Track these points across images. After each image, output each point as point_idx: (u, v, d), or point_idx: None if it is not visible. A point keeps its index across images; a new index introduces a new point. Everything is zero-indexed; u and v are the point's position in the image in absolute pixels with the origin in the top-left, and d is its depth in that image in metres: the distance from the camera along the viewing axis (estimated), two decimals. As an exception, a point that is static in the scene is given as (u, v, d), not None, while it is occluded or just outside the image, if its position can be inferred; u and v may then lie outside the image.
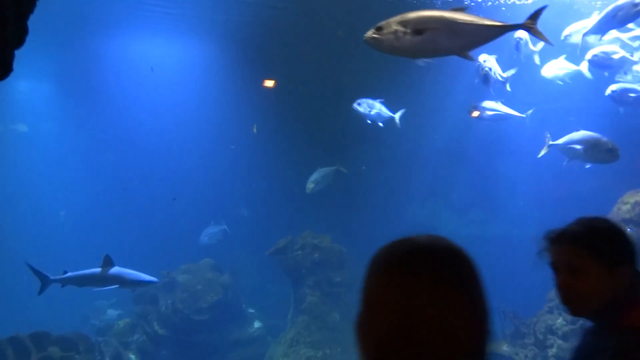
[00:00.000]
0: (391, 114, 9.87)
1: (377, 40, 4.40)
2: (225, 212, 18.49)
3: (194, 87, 17.81)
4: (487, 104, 9.24)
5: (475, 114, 17.76)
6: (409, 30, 4.30)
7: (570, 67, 10.12)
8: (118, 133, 20.08)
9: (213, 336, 14.40)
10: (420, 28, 4.09)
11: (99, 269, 8.18)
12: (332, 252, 13.91)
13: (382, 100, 9.39)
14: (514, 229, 18.34)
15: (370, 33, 4.43)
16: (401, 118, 9.84)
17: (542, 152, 7.95)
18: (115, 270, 8.23)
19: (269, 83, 15.86)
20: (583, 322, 8.14)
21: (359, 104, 9.17)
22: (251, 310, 16.32)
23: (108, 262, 8.18)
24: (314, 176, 13.14)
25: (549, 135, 7.87)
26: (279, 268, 15.16)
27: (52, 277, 8.36)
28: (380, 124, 9.60)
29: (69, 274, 8.40)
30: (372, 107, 9.43)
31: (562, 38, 10.39)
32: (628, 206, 8.47)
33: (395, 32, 4.34)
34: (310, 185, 12.83)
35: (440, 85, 16.23)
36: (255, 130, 13.45)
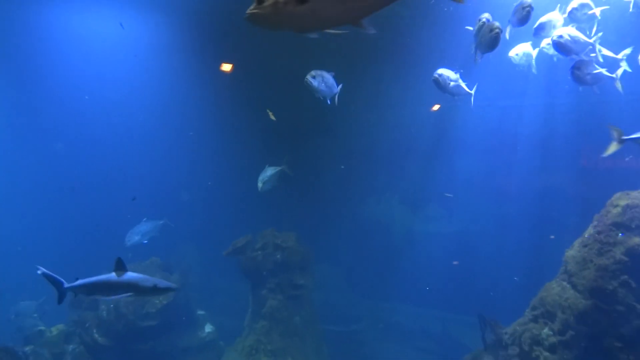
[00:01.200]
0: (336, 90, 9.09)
1: (256, 15, 3.51)
2: (167, 204, 17.16)
3: (140, 68, 16.16)
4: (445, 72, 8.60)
5: (436, 107, 17.57)
6: None
7: (533, 53, 9.68)
8: (53, 119, 18.03)
9: (161, 343, 13.10)
10: None
11: (112, 275, 7.04)
12: (296, 252, 12.99)
13: (332, 73, 8.66)
14: (471, 225, 18.37)
15: (250, 8, 3.54)
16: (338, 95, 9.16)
17: (611, 149, 7.23)
18: (130, 276, 7.11)
19: (226, 67, 14.55)
20: (573, 333, 7.79)
21: (313, 77, 8.26)
22: (201, 312, 15.11)
23: (121, 267, 7.06)
24: (263, 175, 12.28)
25: (618, 130, 7.17)
26: (231, 264, 14.11)
27: (66, 285, 7.38)
28: (328, 101, 8.89)
29: (81, 281, 7.29)
30: (325, 82, 8.66)
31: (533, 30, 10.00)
32: (619, 209, 8.24)
33: (276, 3, 3.46)
34: (260, 184, 11.97)
35: (398, 80, 15.75)
36: (272, 116, 12.20)
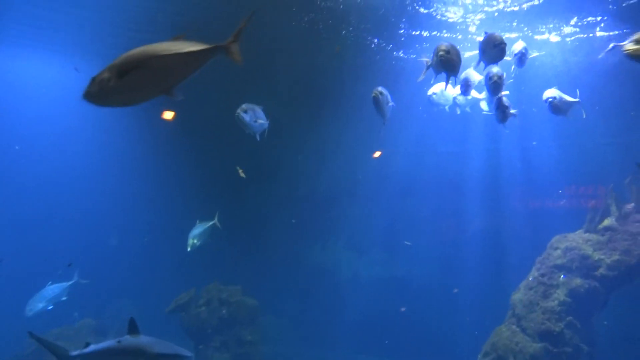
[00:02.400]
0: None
1: (89, 94, 3.75)
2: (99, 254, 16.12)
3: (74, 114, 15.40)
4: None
5: (377, 154, 17.95)
6: (113, 75, 3.67)
7: (454, 93, 9.58)
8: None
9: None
10: (123, 69, 3.55)
11: (126, 338, 6.31)
12: (243, 306, 12.43)
13: (262, 107, 8.25)
14: (415, 268, 18.56)
15: (85, 88, 3.79)
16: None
17: None
18: (145, 340, 6.29)
19: (168, 115, 14.14)
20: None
21: (245, 112, 7.75)
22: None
23: (134, 329, 6.25)
24: (194, 231, 11.65)
25: None
26: (173, 321, 13.30)
27: (72, 354, 6.50)
28: (257, 137, 8.43)
29: (92, 347, 6.42)
30: (257, 116, 8.21)
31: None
32: (559, 252, 8.59)
33: (101, 80, 3.74)
34: (191, 241, 11.29)
35: (339, 122, 16.03)
36: (241, 174, 11.67)
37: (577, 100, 7.50)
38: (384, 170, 17.73)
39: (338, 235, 20.19)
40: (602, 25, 9.94)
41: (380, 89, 7.09)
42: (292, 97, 14.25)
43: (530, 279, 8.89)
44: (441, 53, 6.19)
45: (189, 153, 16.25)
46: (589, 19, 9.76)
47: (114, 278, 16.04)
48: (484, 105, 9.55)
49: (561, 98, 7.32)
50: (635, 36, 4.01)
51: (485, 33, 6.72)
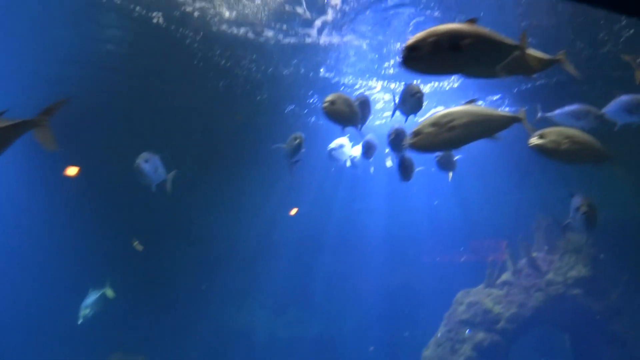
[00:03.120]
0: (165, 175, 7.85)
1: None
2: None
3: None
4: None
5: (293, 212, 18.16)
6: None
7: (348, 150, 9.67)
8: None
9: None
10: None
11: None
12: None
13: (159, 156, 7.52)
14: (331, 327, 18.54)
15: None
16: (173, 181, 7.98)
17: None
18: None
19: (71, 171, 13.37)
20: None
21: (145, 161, 7.14)
22: None
23: None
24: (86, 301, 10.84)
25: None
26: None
27: None
28: (153, 188, 7.72)
29: None
30: (157, 167, 7.54)
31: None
32: (463, 307, 9.10)
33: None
34: (82, 312, 10.43)
35: (256, 182, 16.16)
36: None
37: (459, 156, 7.54)
38: (300, 228, 17.91)
39: (254, 296, 19.77)
40: (506, 103, 11.15)
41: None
42: (208, 156, 14.19)
43: (439, 335, 9.29)
44: (324, 105, 5.79)
45: (94, 211, 15.36)
46: (495, 97, 10.91)
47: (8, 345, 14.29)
48: (389, 163, 9.89)
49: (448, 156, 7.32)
50: (541, 131, 4.57)
51: (405, 84, 6.65)
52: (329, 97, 5.82)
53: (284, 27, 8.54)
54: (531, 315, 9.24)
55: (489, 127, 4.71)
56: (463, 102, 4.85)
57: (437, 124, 4.51)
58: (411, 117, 6.43)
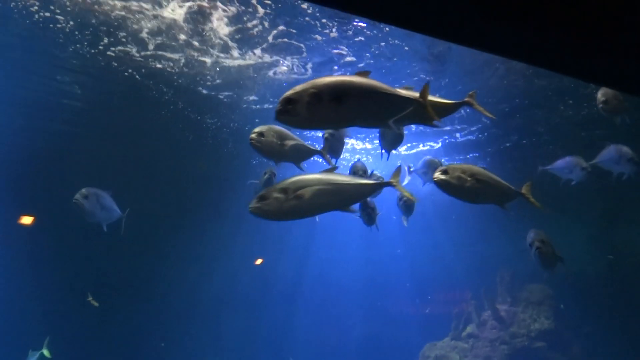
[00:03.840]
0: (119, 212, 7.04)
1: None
2: None
3: None
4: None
5: (259, 261, 17.90)
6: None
7: None
8: None
9: None
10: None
11: None
12: None
13: (110, 192, 6.68)
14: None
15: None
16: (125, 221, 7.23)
17: None
18: None
19: (26, 220, 12.86)
20: None
21: (85, 197, 6.47)
22: None
23: None
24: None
25: None
26: None
27: None
28: (104, 228, 6.99)
29: None
30: (101, 203, 6.73)
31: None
32: (430, 361, 9.01)
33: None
34: None
35: (221, 232, 15.95)
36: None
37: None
38: (266, 278, 17.61)
39: (215, 352, 19.03)
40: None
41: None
42: (172, 204, 14.00)
43: (406, 390, 9.10)
44: (251, 136, 5.16)
45: (46, 261, 14.70)
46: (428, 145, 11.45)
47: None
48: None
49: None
50: (444, 167, 4.55)
51: None
52: (257, 129, 5.19)
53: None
54: (497, 370, 9.23)
55: (344, 197, 4.51)
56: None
57: (285, 190, 4.23)
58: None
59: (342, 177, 4.54)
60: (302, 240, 17.19)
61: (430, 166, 6.53)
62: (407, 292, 15.76)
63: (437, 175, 4.34)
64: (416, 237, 12.96)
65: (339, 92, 3.58)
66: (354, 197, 4.61)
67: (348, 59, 7.51)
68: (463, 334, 9.75)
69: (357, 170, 6.31)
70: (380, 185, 4.69)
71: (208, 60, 7.60)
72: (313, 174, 4.42)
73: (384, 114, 3.89)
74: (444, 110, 4.48)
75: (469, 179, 4.28)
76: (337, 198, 4.46)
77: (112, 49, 7.29)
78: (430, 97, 4.14)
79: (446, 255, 14.11)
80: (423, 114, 4.00)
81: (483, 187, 4.37)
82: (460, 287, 12.33)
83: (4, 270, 13.41)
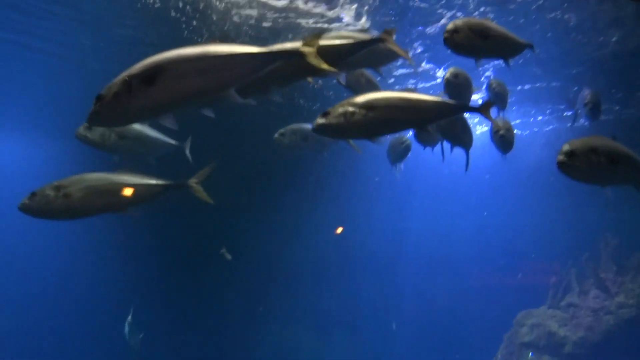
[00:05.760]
0: None
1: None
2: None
3: None
4: None
5: (339, 230, 18.05)
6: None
7: None
8: None
9: None
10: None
11: None
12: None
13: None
14: (378, 352, 18.10)
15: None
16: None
17: None
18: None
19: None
20: None
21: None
22: None
23: None
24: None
25: None
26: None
27: None
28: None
29: None
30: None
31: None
32: (526, 328, 8.66)
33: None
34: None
35: (304, 202, 16.17)
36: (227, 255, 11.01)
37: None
38: (345, 249, 17.76)
39: (298, 318, 19.59)
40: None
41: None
42: (254, 177, 14.36)
43: (499, 356, 8.84)
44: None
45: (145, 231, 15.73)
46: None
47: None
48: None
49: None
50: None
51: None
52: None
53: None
54: (601, 340, 8.67)
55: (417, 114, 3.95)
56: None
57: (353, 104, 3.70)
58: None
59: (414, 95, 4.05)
60: (382, 210, 17.05)
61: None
62: (500, 261, 15.18)
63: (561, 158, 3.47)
64: (510, 200, 12.37)
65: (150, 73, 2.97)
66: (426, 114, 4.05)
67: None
68: (562, 303, 9.24)
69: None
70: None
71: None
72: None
73: (225, 83, 3.15)
74: (346, 53, 3.76)
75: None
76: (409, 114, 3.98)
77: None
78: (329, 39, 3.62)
79: (544, 222, 13.34)
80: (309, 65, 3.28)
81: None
82: (560, 255, 11.60)
83: (93, 237, 14.49)
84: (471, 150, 5.27)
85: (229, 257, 9.54)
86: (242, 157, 13.31)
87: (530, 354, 8.40)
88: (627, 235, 9.75)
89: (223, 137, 12.45)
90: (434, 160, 5.88)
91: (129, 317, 12.02)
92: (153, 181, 4.18)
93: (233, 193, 13.51)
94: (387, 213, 16.65)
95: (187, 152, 5.11)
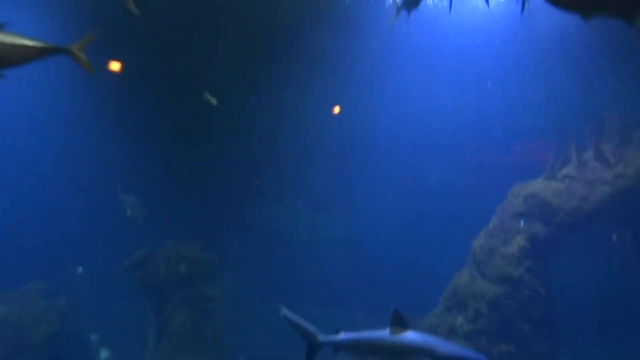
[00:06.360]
0: None
1: None
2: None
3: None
4: None
5: (336, 110, 17.70)
6: None
7: None
8: None
9: (49, 378, 11.50)
10: None
11: (387, 332, 5.27)
12: (202, 263, 12.13)
13: None
14: (373, 225, 18.74)
15: None
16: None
17: None
18: (419, 338, 5.10)
19: (115, 66, 13.19)
20: (485, 320, 8.08)
21: None
22: (95, 337, 13.61)
23: (399, 322, 5.27)
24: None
25: None
26: (127, 281, 12.87)
27: (321, 339, 5.69)
28: None
29: (345, 335, 5.59)
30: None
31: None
32: (520, 199, 8.75)
33: None
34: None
35: (298, 84, 15.64)
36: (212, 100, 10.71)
37: None
38: (343, 127, 17.54)
39: (297, 194, 20.01)
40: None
41: None
42: (246, 53, 13.67)
43: (491, 226, 9.06)
44: None
45: (144, 107, 15.39)
46: None
47: (62, 239, 15.25)
48: None
49: None
50: None
51: None
52: None
53: None
54: (593, 210, 8.82)
55: None
56: None
57: None
58: None
59: None
60: (383, 87, 16.50)
61: None
62: (487, 138, 15.04)
63: None
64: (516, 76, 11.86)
65: None
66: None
67: None
68: (559, 175, 9.24)
69: None
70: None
71: None
72: None
73: None
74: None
75: None
76: None
77: None
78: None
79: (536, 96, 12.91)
80: None
81: None
82: (559, 130, 11.40)
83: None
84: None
85: (214, 101, 9.34)
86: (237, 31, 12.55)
87: (522, 222, 8.58)
88: (634, 110, 9.47)
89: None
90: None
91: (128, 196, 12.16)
92: (30, 42, 4.03)
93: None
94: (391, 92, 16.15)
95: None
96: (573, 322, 9.26)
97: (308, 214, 19.90)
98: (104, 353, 13.11)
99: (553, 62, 11.65)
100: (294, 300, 17.19)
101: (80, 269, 16.01)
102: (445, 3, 9.95)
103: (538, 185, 9.13)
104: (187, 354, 11.06)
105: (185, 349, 11.17)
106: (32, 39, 4.05)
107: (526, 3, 5.35)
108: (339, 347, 5.54)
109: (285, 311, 5.82)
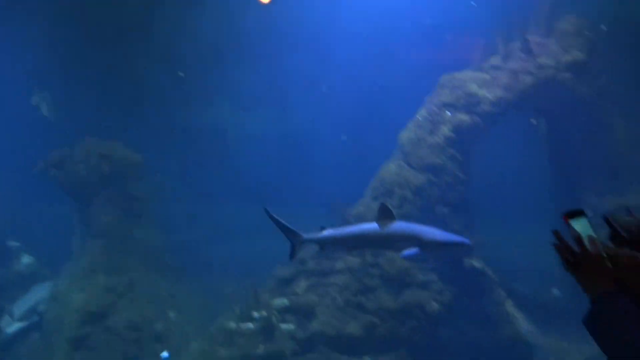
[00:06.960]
0: None
1: None
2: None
3: None
4: None
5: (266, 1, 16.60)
6: None
7: None
8: None
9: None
10: None
11: (374, 225, 5.27)
12: (126, 161, 11.57)
13: None
14: (306, 124, 18.61)
15: None
16: None
17: None
18: (405, 226, 5.21)
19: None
20: (409, 206, 8.46)
21: None
22: (14, 243, 13.04)
23: (387, 214, 5.27)
24: None
25: None
26: (47, 184, 12.16)
27: (306, 237, 5.59)
28: None
29: (330, 231, 5.46)
30: None
31: None
32: (447, 90, 8.88)
33: None
34: None
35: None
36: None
37: None
38: (273, 21, 16.61)
39: (224, 93, 19.27)
40: None
41: None
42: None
43: (419, 118, 9.21)
44: None
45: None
46: None
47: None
48: None
49: None
50: None
51: None
52: None
53: None
54: (515, 99, 9.17)
55: None
56: None
57: None
58: None
59: None
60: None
61: None
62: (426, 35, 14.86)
63: None
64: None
65: None
66: None
67: None
68: (485, 65, 9.41)
69: None
70: None
71: None
72: None
73: None
74: None
75: None
76: None
77: None
78: None
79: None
80: None
81: None
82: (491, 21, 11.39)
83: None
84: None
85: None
86: None
87: (448, 113, 8.78)
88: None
89: None
90: None
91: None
92: None
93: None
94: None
95: None
96: (487, 204, 10.00)
97: (236, 114, 19.40)
98: (26, 258, 12.65)
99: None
100: (229, 201, 17.26)
101: None
102: None
103: (465, 76, 9.29)
104: (117, 253, 10.88)
105: (114, 250, 10.96)
106: None
107: None
108: (324, 243, 5.63)
109: (269, 212, 5.78)
